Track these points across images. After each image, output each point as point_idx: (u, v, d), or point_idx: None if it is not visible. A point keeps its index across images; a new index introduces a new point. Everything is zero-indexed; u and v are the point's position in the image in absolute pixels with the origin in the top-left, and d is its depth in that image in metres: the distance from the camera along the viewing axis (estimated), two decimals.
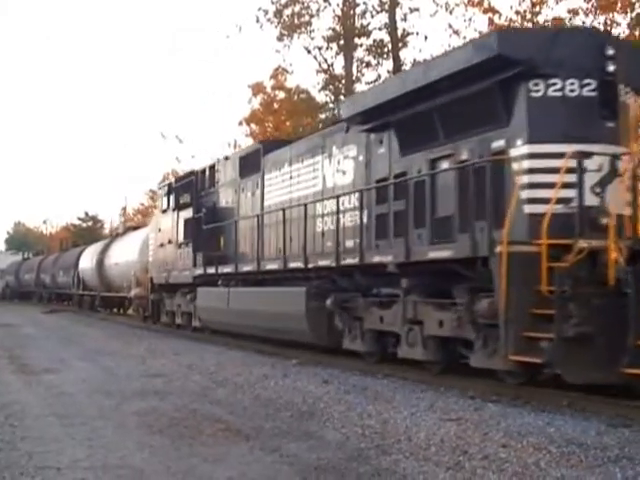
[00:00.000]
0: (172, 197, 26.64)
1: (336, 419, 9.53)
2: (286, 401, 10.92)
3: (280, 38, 39.65)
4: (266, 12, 39.29)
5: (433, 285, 13.15)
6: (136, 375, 14.10)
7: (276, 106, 41.23)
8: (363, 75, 40.59)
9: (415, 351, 13.24)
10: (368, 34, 39.81)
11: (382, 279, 14.30)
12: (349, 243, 15.71)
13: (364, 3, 39.31)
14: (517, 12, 30.57)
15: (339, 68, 40.42)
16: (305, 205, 16.94)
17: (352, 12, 39.47)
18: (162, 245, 27.50)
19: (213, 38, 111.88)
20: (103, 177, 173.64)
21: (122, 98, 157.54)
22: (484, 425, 8.94)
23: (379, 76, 39.76)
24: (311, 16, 39.48)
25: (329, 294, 15.62)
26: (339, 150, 16.65)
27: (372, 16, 39.31)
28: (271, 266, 18.44)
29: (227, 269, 20.96)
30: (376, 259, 14.13)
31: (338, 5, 39.17)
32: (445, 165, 13.27)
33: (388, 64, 39.31)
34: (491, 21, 31.26)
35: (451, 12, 34.37)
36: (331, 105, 40.34)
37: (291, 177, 18.86)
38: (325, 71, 40.38)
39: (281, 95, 41.76)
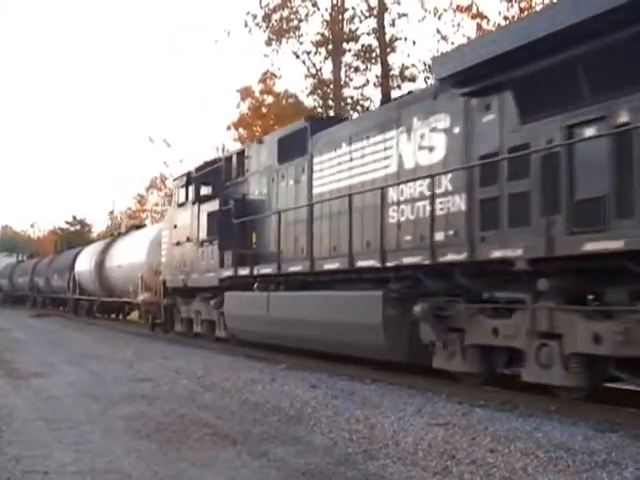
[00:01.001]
0: (191, 188, 23.44)
1: (324, 424, 9.52)
2: (274, 406, 10.91)
3: (269, 42, 39.84)
4: (254, 17, 39.43)
5: (579, 287, 10.37)
6: (124, 379, 14.06)
7: (264, 110, 41.36)
8: (351, 80, 40.80)
9: (552, 374, 10.44)
10: (356, 39, 40.03)
11: (493, 280, 11.65)
12: (438, 236, 12.67)
13: (353, 8, 39.55)
14: (505, 17, 30.84)
15: (327, 73, 40.61)
16: (382, 189, 14.11)
17: (341, 17, 39.63)
18: (178, 244, 24.25)
19: (203, 43, 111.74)
20: (91, 181, 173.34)
21: (110, 102, 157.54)
22: (472, 430, 8.94)
23: (367, 81, 40.02)
24: (300, 21, 39.72)
25: (415, 299, 12.76)
26: (423, 122, 13.59)
27: (360, 21, 39.62)
28: (330, 266, 15.57)
29: (266, 270, 18.18)
30: (496, 254, 11.14)
31: (327, 10, 39.36)
32: (591, 132, 10.27)
33: (376, 69, 39.48)
34: (479, 26, 31.53)
35: (439, 17, 34.72)
36: (319, 110, 40.42)
37: (351, 159, 15.80)
38: (313, 76, 40.56)
39: (269, 99, 41.90)
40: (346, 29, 39.86)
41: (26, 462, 7.44)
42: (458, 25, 33.25)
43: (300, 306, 16.26)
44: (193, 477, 7.01)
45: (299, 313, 16.12)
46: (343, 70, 40.22)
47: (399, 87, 38.28)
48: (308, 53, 40.04)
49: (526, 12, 30.16)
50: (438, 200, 12.75)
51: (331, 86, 40.23)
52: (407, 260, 13.07)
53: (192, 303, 23.71)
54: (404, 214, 13.88)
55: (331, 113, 38.51)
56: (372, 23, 38.98)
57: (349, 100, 40.59)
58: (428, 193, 12.89)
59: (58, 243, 64.30)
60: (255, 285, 18.83)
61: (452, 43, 33.12)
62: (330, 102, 40.28)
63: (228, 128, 43.03)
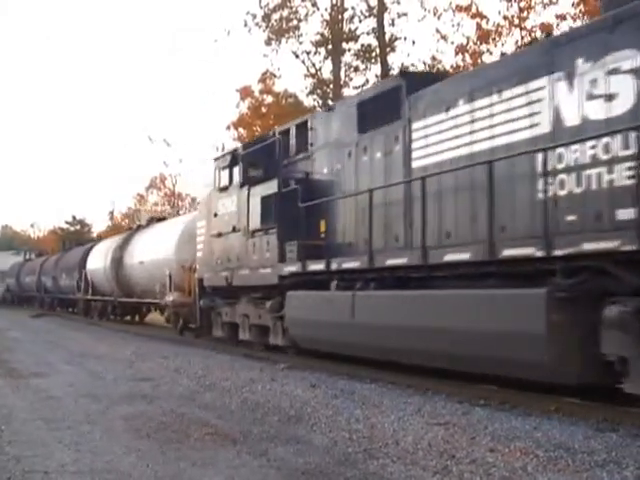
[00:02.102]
0: (237, 169, 19.73)
1: (323, 423, 9.52)
2: (274, 405, 10.91)
3: (268, 42, 39.86)
4: (254, 16, 39.46)
5: None
6: (123, 379, 14.07)
7: (264, 110, 41.36)
8: (351, 80, 40.84)
9: None
10: (356, 39, 40.08)
11: None
12: (623, 214, 9.51)
13: (352, 8, 39.59)
14: (505, 17, 30.84)
15: (327, 72, 40.63)
16: (544, 151, 10.75)
17: (340, 17, 39.65)
18: (219, 235, 20.56)
19: (203, 43, 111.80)
20: (91, 181, 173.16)
21: (110, 102, 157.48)
22: (472, 429, 8.95)
23: (367, 81, 40.00)
24: (299, 20, 39.75)
25: (594, 299, 9.56)
26: (594, 63, 10.24)
27: (360, 21, 39.69)
28: (456, 257, 12.01)
29: (351, 264, 14.66)
30: None
31: (326, 10, 39.40)
32: None
33: (376, 69, 39.51)
34: (479, 26, 31.52)
35: (439, 17, 34.69)
36: (319, 109, 40.46)
37: (473, 120, 12.42)
38: (313, 75, 40.57)
39: (269, 99, 41.91)
40: (346, 29, 39.93)
41: (26, 462, 7.44)
42: (458, 25, 33.19)
43: (407, 310, 12.73)
44: (193, 476, 7.01)
45: (405, 318, 12.73)
46: (343, 70, 40.27)
47: None
48: (308, 53, 40.12)
49: (525, 12, 30.24)
50: (616, 167, 9.73)
51: (331, 86, 40.24)
52: (591, 246, 9.64)
53: (237, 305, 19.98)
54: (565, 186, 10.53)
55: None
56: (372, 23, 39.13)
57: None
58: (614, 155, 9.75)
59: (63, 242, 61.14)
60: (333, 283, 15.14)
61: (452, 43, 33.14)
62: (330, 102, 40.27)
63: (227, 128, 43.00)
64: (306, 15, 39.75)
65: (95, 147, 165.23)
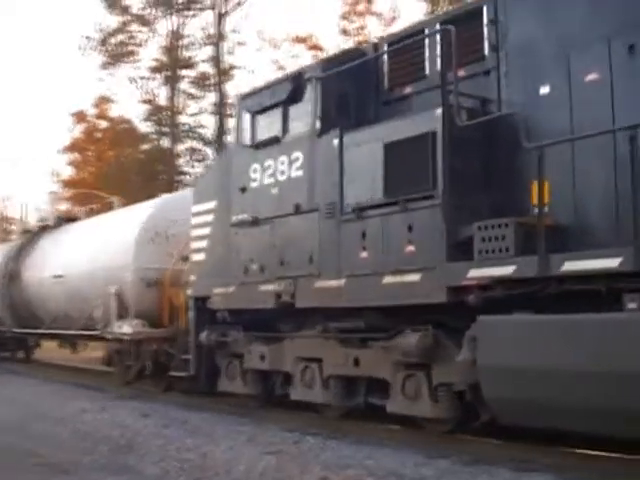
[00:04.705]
0: (306, 107, 11.72)
1: (155, 453, 9.39)
2: (104, 435, 10.67)
3: (104, 66, 39.43)
4: (90, 39, 39.05)
5: None
6: None
7: (99, 135, 40.87)
8: (188, 107, 40.74)
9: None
10: (193, 66, 40.09)
11: None
12: None
13: (191, 35, 39.66)
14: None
15: (163, 99, 40.47)
16: None
17: (178, 44, 39.64)
18: (255, 222, 12.36)
19: (37, 63, 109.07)
20: None
21: None
22: (303, 458, 8.98)
23: (203, 109, 40.15)
24: (137, 46, 39.48)
25: None
26: None
27: (198, 48, 39.72)
28: None
29: None
30: None
31: (164, 36, 39.34)
32: None
33: (212, 97, 39.68)
34: (316, 58, 32.35)
35: (277, 48, 35.41)
36: (154, 136, 40.37)
37: None
38: (149, 101, 40.30)
39: (104, 124, 41.45)
40: (183, 56, 39.96)
41: None
42: (296, 55, 33.99)
43: None
44: None
45: None
46: (179, 97, 40.24)
47: (232, 116, 38.75)
48: (144, 78, 39.90)
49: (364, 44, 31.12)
50: None
51: (167, 112, 40.11)
52: None
53: (288, 342, 12.32)
54: None
55: (166, 141, 38.61)
56: (209, 51, 39.31)
57: (183, 127, 40.59)
58: None
59: None
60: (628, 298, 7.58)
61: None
62: (165, 128, 40.17)
63: (60, 152, 42.25)
64: (144, 41, 39.66)
65: None
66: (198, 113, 40.30)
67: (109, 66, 39.52)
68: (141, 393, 15.54)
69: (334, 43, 38.64)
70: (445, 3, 30.05)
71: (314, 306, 11.37)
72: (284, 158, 12.05)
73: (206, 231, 13.86)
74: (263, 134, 12.50)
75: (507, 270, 8.64)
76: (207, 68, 39.89)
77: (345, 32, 35.01)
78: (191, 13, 39.69)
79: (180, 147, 40.71)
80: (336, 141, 11.04)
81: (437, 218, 9.42)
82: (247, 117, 12.91)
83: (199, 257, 14.02)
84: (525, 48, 9.63)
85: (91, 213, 24.04)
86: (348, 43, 31.63)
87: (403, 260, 9.84)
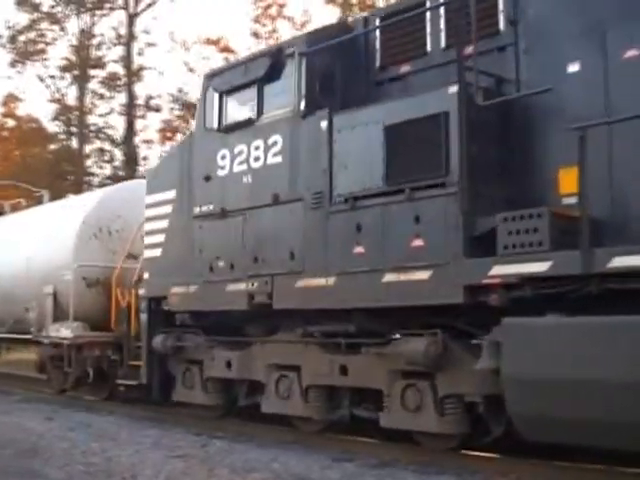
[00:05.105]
0: (289, 84, 10.35)
1: (59, 457, 9.26)
2: (8, 439, 10.46)
3: (13, 64, 38.80)
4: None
5: None
6: None
7: (6, 134, 40.18)
8: (97, 107, 40.32)
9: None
10: (103, 66, 39.68)
11: None
12: None
13: (101, 35, 39.26)
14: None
15: (72, 99, 39.96)
16: None
17: (88, 43, 39.18)
18: (224, 215, 11.00)
19: None
20: None
21: None
22: (210, 461, 8.98)
23: (112, 110, 39.76)
24: (47, 44, 38.93)
25: None
26: None
27: (109, 48, 39.34)
28: None
29: None
30: None
31: (74, 35, 38.84)
32: None
33: (122, 97, 39.35)
34: (227, 61, 32.38)
35: (188, 49, 35.34)
36: (62, 136, 39.86)
37: None
38: (58, 101, 39.72)
39: (11, 123, 40.77)
40: (93, 55, 39.53)
41: None
42: (207, 58, 33.95)
43: None
44: None
45: None
46: (88, 97, 39.77)
47: (143, 117, 38.57)
48: (53, 77, 39.33)
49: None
50: None
51: (75, 112, 39.60)
52: None
53: (258, 347, 10.99)
54: None
55: (74, 141, 38.07)
56: (120, 51, 38.98)
57: (92, 127, 40.15)
58: None
59: None
60: None
61: (198, 76, 33.87)
62: (73, 128, 39.66)
63: None
64: (54, 39, 39.09)
65: None
66: (107, 114, 39.91)
67: (18, 64, 38.92)
68: (45, 397, 15.28)
69: (245, 45, 38.95)
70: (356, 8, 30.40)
71: (296, 307, 10.01)
72: (259, 143, 10.61)
73: (163, 224, 12.20)
74: (234, 116, 11.06)
75: (542, 267, 7.45)
76: (117, 68, 39.63)
77: (257, 35, 35.14)
78: (102, 12, 39.33)
79: (89, 147, 40.28)
80: (324, 123, 9.72)
81: (452, 208, 8.23)
82: (214, 98, 11.33)
83: (154, 253, 12.33)
84: (550, 22, 8.57)
85: (19, 207, 21.71)
86: (260, 46, 31.61)
87: (408, 256, 8.57)
